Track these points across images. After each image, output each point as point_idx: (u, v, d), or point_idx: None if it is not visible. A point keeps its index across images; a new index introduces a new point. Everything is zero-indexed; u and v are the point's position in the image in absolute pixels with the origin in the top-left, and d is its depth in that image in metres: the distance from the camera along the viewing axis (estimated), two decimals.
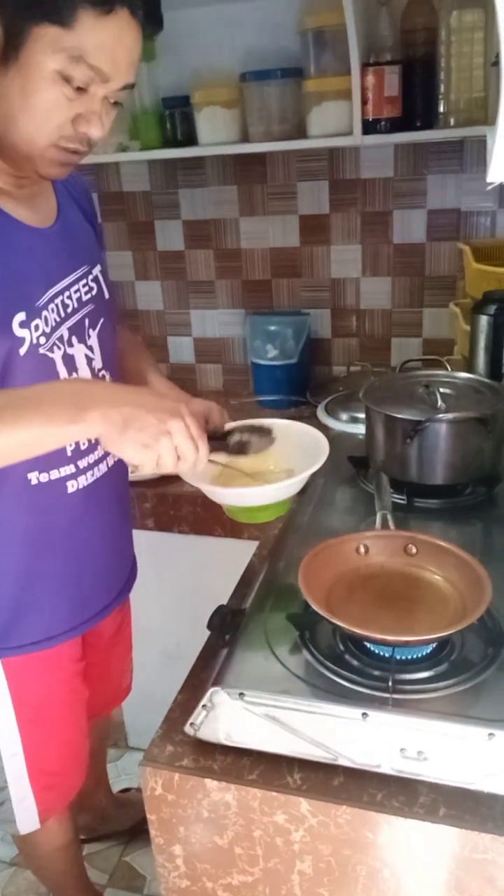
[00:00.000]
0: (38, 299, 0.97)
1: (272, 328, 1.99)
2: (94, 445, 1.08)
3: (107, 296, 1.12)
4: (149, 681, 1.50)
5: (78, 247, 1.08)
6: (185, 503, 1.61)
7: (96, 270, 1.10)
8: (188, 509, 1.61)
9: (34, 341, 0.95)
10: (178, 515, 1.62)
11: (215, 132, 1.79)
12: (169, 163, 2.00)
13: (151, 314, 2.22)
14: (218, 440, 0.99)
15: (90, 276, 1.08)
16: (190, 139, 1.84)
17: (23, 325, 0.94)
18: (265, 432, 1.03)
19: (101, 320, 1.09)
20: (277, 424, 1.08)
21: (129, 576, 1.31)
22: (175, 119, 1.83)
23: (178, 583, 1.69)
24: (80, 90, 0.85)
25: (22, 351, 0.94)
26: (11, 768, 1.16)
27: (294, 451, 1.08)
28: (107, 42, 0.82)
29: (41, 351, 0.97)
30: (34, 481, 1.02)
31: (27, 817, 1.22)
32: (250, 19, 1.78)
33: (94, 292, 1.08)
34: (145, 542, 1.49)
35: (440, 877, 0.80)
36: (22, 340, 0.94)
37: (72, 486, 1.06)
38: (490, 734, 0.78)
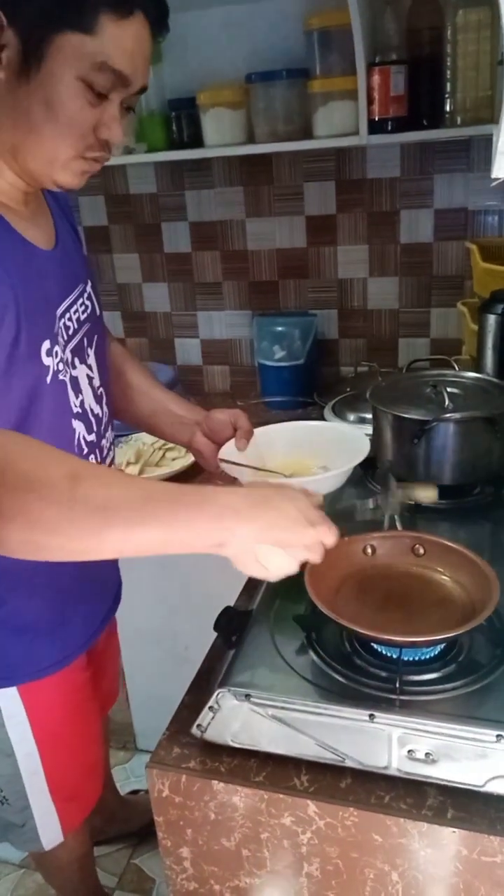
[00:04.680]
0: (55, 325, 0.94)
1: (279, 329, 1.99)
2: (92, 447, 1.05)
3: (98, 312, 1.09)
4: (158, 683, 1.50)
5: (74, 266, 1.04)
6: None
7: (88, 287, 1.07)
8: None
9: (55, 368, 0.92)
10: None
11: (221, 133, 1.79)
12: (175, 164, 2.00)
13: (158, 316, 2.22)
14: None
15: (85, 295, 1.05)
16: (196, 141, 1.84)
17: (48, 353, 0.91)
18: None
19: (96, 337, 1.07)
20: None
21: (118, 577, 1.30)
22: (181, 121, 1.84)
23: (186, 585, 1.69)
24: (101, 96, 0.84)
25: (48, 379, 0.91)
26: (31, 785, 1.14)
27: (330, 449, 1.08)
28: (127, 46, 0.82)
29: (60, 377, 0.94)
30: None
31: (50, 832, 1.20)
32: (255, 20, 1.78)
33: (88, 310, 1.05)
34: None
35: (449, 880, 0.80)
36: (48, 369, 0.91)
37: None
38: (498, 735, 0.77)
